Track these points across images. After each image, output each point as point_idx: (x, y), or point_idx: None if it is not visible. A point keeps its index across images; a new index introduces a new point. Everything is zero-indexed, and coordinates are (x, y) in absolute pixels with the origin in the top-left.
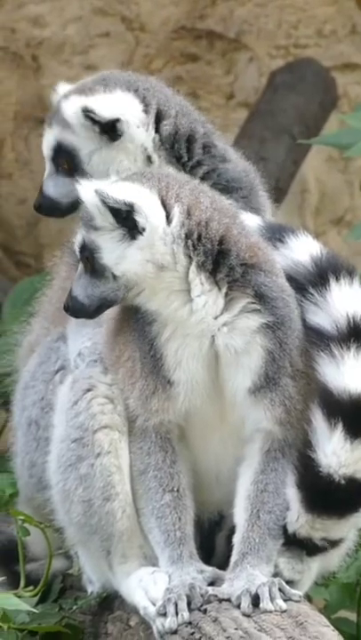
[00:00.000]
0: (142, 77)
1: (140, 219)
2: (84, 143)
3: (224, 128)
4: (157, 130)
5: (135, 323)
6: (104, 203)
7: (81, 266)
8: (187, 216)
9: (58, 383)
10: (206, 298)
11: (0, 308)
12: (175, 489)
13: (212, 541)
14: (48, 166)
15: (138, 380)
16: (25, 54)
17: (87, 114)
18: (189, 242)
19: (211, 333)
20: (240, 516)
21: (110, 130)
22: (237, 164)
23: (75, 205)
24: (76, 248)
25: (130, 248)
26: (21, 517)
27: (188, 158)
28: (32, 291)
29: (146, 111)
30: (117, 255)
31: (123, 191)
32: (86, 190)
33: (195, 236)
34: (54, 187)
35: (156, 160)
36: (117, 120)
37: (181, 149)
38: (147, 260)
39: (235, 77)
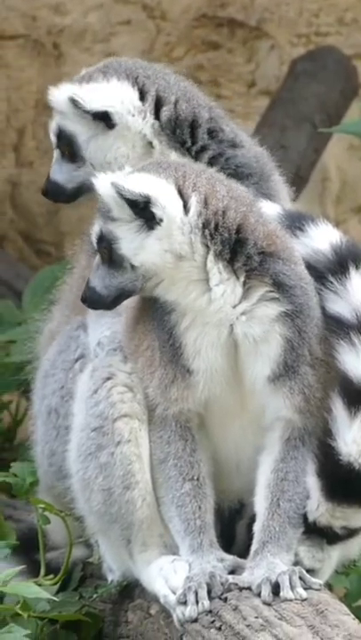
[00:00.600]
0: (146, 65)
1: (156, 210)
2: (81, 130)
3: (245, 116)
4: (158, 116)
5: (154, 312)
6: (120, 195)
7: (98, 257)
8: (204, 205)
9: (78, 371)
10: (225, 287)
11: (20, 296)
12: (195, 477)
13: (233, 530)
14: (55, 152)
15: (157, 368)
16: (46, 42)
17: (75, 103)
18: (207, 231)
19: (229, 322)
20: (260, 504)
21: (103, 119)
22: (249, 149)
23: (80, 190)
24: (94, 239)
25: (148, 238)
26: (42, 506)
27: (193, 143)
28: (52, 279)
29: (143, 99)
30: (136, 246)
31: (139, 183)
32: (102, 183)
33: (212, 225)
34: (59, 172)
35: (157, 146)
36: (105, 112)
37: (184, 134)
38: (165, 250)
39: (256, 65)
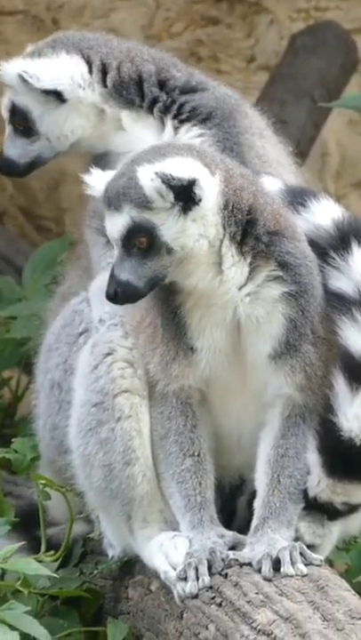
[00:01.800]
0: (90, 36)
1: (198, 192)
2: (34, 105)
3: (245, 91)
4: (105, 84)
5: (158, 290)
6: (168, 183)
7: (121, 250)
8: (225, 185)
9: (82, 346)
10: (235, 269)
11: (21, 272)
12: (196, 453)
13: (233, 505)
14: (8, 127)
15: (159, 345)
16: (45, 18)
17: (25, 80)
18: (226, 212)
19: (234, 304)
20: (261, 480)
21: (54, 94)
22: (211, 91)
23: (33, 165)
24: (120, 232)
25: (186, 221)
26: (42, 481)
27: (143, 99)
28: (53, 255)
29: (90, 70)
30: (177, 230)
31: (180, 167)
32: (145, 174)
33: (230, 206)
34: (13, 147)
35: (108, 111)
36: (56, 90)
37: (131, 94)
38: (200, 234)
39: (255, 41)
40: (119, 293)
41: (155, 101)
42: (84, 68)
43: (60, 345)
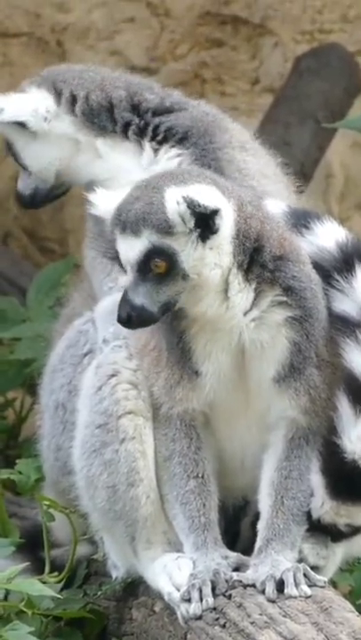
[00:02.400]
0: (71, 69)
1: (218, 221)
2: (15, 139)
3: (249, 113)
4: (74, 113)
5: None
6: (192, 209)
7: (135, 274)
8: (238, 214)
9: (86, 366)
10: (242, 295)
11: (25, 293)
12: (200, 475)
13: (237, 527)
14: None
15: (163, 369)
16: (50, 40)
17: None
18: (236, 241)
19: (240, 329)
20: (264, 502)
21: (21, 127)
22: (189, 112)
23: (35, 197)
24: (137, 257)
25: (204, 249)
26: (46, 503)
27: (115, 124)
28: (57, 276)
29: (58, 102)
30: (194, 257)
31: (206, 195)
32: (171, 197)
33: (240, 235)
34: (20, 180)
35: (82, 140)
36: (21, 122)
37: (102, 120)
38: (215, 263)
39: (260, 63)
40: (133, 318)
41: (128, 125)
42: (49, 101)
43: (64, 366)
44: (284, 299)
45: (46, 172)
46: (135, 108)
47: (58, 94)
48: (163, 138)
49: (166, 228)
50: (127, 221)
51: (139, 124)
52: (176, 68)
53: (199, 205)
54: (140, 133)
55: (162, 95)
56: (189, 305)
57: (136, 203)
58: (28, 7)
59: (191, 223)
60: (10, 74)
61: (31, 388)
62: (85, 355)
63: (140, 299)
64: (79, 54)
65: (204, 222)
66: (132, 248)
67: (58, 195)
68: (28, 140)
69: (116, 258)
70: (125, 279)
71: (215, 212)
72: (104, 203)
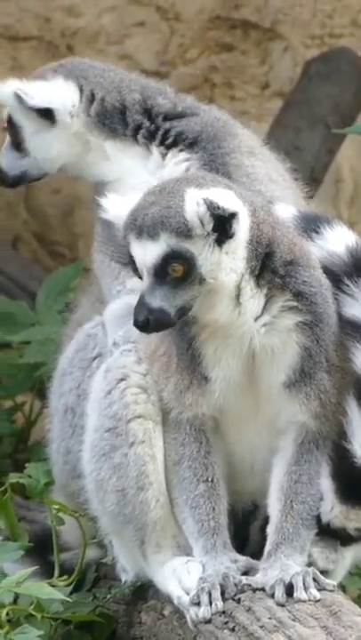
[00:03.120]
0: (94, 65)
1: (235, 225)
2: (26, 124)
3: (259, 118)
4: (89, 114)
5: None
6: (211, 211)
7: (152, 278)
8: (251, 219)
9: (95, 370)
10: (253, 301)
11: (34, 297)
12: (209, 479)
13: (247, 531)
14: (7, 137)
15: (173, 374)
16: (60, 44)
17: (19, 99)
18: (250, 247)
19: (250, 335)
20: (274, 506)
21: (46, 116)
22: (200, 117)
23: (20, 180)
24: (152, 261)
25: (221, 254)
26: (56, 506)
27: (126, 127)
28: (66, 281)
29: (80, 99)
30: (212, 261)
31: (225, 198)
32: (192, 198)
33: (254, 240)
34: (4, 158)
35: (92, 141)
36: (49, 109)
37: (114, 123)
38: (231, 268)
39: (269, 67)
40: (151, 321)
41: (138, 129)
42: (76, 96)
43: (73, 369)
44: (295, 304)
45: (50, 162)
46: (147, 112)
47: (80, 91)
48: (172, 142)
49: (185, 232)
50: (144, 225)
51: (149, 127)
52: (186, 72)
53: (218, 208)
54: (150, 137)
55: (174, 100)
56: (202, 311)
57: (153, 207)
58: (39, 11)
59: (210, 226)
60: (20, 78)
61: (40, 391)
62: (94, 358)
63: (157, 302)
64: (89, 58)
65: (222, 226)
66: (149, 252)
67: (41, 178)
68: (42, 129)
69: (126, 262)
70: (141, 283)
71: (233, 216)
72: (115, 207)
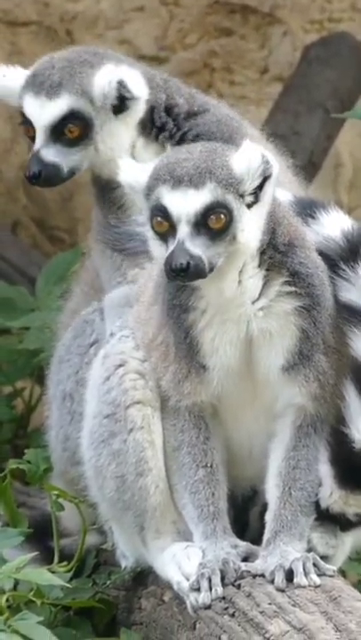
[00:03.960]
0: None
1: (268, 188)
2: (99, 113)
3: (258, 102)
4: None
5: (169, 309)
6: (263, 166)
7: (191, 228)
8: None
9: (92, 356)
10: (253, 281)
11: (34, 282)
12: (209, 464)
13: (246, 516)
14: (43, 136)
15: (171, 363)
16: (59, 29)
17: (121, 87)
18: (267, 218)
19: (248, 318)
20: (272, 493)
21: (122, 103)
22: (212, 114)
23: (74, 172)
24: (194, 209)
25: (250, 216)
26: (55, 492)
27: (153, 126)
28: (66, 266)
29: None
30: (246, 220)
31: (269, 158)
32: (253, 152)
33: (270, 213)
34: (55, 154)
35: (134, 136)
36: (139, 98)
37: (145, 120)
38: (255, 233)
39: (269, 52)
40: (192, 266)
41: (162, 129)
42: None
43: (71, 356)
44: (293, 288)
45: (110, 151)
46: (168, 111)
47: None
48: (192, 142)
49: (233, 185)
50: (186, 175)
51: (172, 128)
52: (185, 57)
53: (268, 166)
54: (169, 137)
55: (187, 97)
56: (214, 280)
57: (193, 160)
58: None
59: (255, 183)
60: (19, 62)
61: (40, 377)
62: (92, 345)
63: (197, 250)
64: (88, 43)
65: (260, 187)
66: (191, 201)
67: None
68: (111, 117)
69: (124, 249)
70: (180, 232)
71: (269, 177)
72: (134, 171)
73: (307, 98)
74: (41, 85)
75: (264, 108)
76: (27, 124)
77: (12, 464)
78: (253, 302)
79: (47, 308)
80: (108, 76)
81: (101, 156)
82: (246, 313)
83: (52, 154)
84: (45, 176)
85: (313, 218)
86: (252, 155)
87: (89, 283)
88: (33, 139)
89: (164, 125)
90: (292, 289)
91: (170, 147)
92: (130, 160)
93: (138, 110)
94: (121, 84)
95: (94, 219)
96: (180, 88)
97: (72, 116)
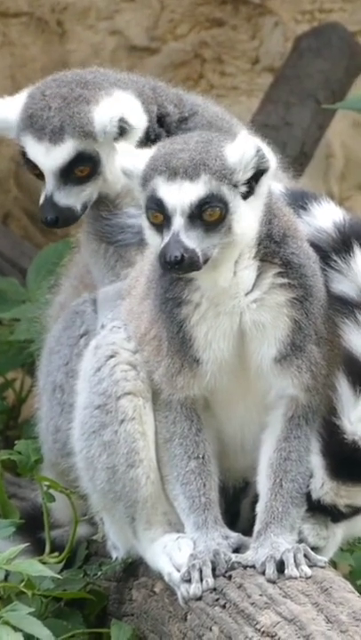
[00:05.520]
0: (122, 75)
1: (265, 180)
2: (102, 147)
3: (249, 93)
4: None
5: (162, 303)
6: (258, 158)
7: (186, 219)
8: None
9: (82, 348)
10: (247, 272)
11: (25, 274)
12: (200, 456)
13: (237, 508)
14: (53, 180)
15: (164, 358)
16: (50, 19)
17: (122, 123)
18: (263, 209)
19: (240, 310)
20: (263, 484)
21: (122, 132)
22: (201, 115)
23: (86, 206)
24: (189, 202)
25: (246, 207)
26: (46, 483)
27: (147, 139)
28: (57, 257)
29: None
30: (240, 212)
31: (266, 150)
32: (243, 144)
33: (266, 205)
34: (68, 196)
35: None
36: (140, 128)
37: (142, 135)
38: (251, 224)
39: (260, 42)
40: (186, 259)
41: (157, 138)
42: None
43: (61, 347)
44: (286, 280)
45: (120, 177)
46: (160, 122)
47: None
48: None
49: (227, 176)
50: (181, 166)
51: (164, 137)
52: (176, 47)
53: (263, 159)
54: None
55: (176, 102)
56: (209, 271)
57: (188, 151)
58: None
59: (248, 174)
60: (10, 54)
61: (31, 368)
62: (82, 336)
63: (191, 243)
64: (79, 34)
65: (255, 179)
66: (186, 193)
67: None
68: (114, 147)
69: (115, 241)
70: (175, 224)
71: (266, 170)
72: (132, 157)
73: (298, 88)
74: (42, 130)
75: (255, 99)
76: (30, 164)
77: (3, 455)
78: (247, 294)
79: (38, 299)
80: (108, 114)
81: (109, 183)
82: (240, 305)
83: (64, 196)
84: (63, 220)
85: (304, 209)
86: (246, 146)
87: (78, 277)
88: (38, 176)
89: (157, 137)
90: (285, 280)
91: None
92: (128, 145)
93: (137, 134)
94: (122, 120)
95: (86, 217)
96: (167, 93)
97: (80, 159)
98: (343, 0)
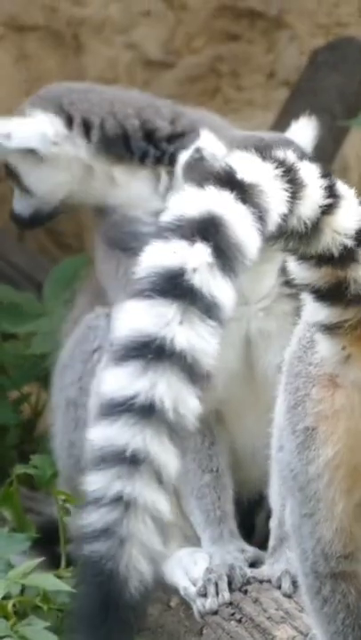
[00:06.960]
0: (74, 88)
1: None
2: (17, 162)
3: (265, 107)
4: (89, 139)
5: None
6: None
7: None
8: None
9: (96, 363)
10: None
11: (41, 288)
12: (214, 469)
13: (253, 520)
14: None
15: None
16: (66, 33)
17: (2, 142)
18: None
19: (248, 319)
20: (274, 499)
21: (31, 152)
22: (192, 129)
23: (36, 219)
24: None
25: None
26: (63, 497)
27: (132, 154)
28: (73, 271)
29: (69, 126)
30: None
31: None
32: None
33: None
34: (17, 202)
35: (96, 167)
36: (28, 148)
37: (119, 149)
38: None
39: (276, 56)
40: None
41: (145, 155)
42: (59, 125)
43: (74, 362)
44: (293, 290)
45: (52, 195)
46: (149, 137)
47: (68, 118)
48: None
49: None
50: None
51: (155, 153)
52: (192, 61)
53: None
54: (157, 161)
55: (169, 118)
56: None
57: None
58: (44, 1)
59: None
60: (26, 68)
61: (47, 382)
62: (95, 351)
63: None
64: (95, 48)
65: None
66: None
67: (59, 213)
68: (33, 165)
69: (128, 249)
70: None
71: None
72: (214, 145)
73: (314, 102)
74: None
75: (271, 113)
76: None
77: (19, 469)
78: (256, 302)
79: (54, 313)
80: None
81: (46, 200)
82: (248, 313)
83: (16, 203)
84: (17, 225)
85: None
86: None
87: (94, 293)
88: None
89: (146, 152)
90: (292, 290)
91: (164, 171)
92: (210, 135)
93: (55, 154)
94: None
95: (95, 223)
96: (159, 109)
97: (7, 169)
98: (359, 14)
